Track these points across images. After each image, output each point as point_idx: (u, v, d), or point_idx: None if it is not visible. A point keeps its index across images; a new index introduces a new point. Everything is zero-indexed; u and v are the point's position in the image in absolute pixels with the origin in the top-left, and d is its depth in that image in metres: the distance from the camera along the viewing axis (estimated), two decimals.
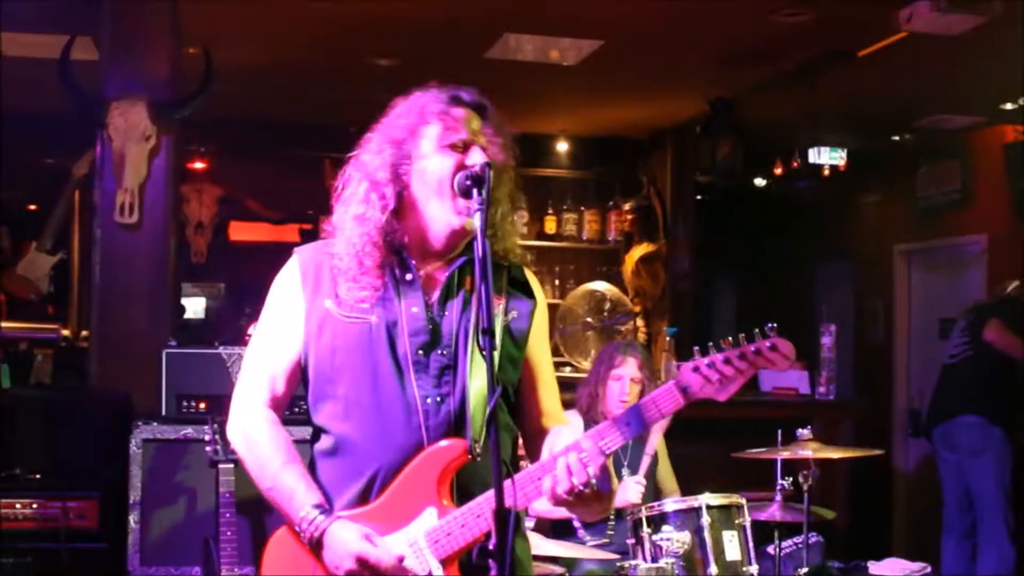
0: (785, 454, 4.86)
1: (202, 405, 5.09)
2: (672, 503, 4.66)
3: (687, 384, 2.51)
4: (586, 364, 8.55)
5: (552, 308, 8.74)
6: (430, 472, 2.57)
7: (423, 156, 2.63)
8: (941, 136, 8.96)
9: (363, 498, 2.61)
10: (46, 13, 6.30)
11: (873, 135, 8.95)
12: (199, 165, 9.11)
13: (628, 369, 5.26)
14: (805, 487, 4.82)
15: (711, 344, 2.50)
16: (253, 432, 2.70)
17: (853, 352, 10.03)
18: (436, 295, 2.68)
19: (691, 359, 2.51)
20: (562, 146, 9.60)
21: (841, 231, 10.48)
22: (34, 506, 4.80)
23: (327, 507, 2.58)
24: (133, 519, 4.93)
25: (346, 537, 2.52)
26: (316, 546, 2.55)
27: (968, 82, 7.47)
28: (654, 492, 5.15)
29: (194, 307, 9.57)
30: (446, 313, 2.67)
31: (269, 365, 2.74)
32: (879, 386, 9.67)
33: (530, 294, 2.80)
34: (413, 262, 2.68)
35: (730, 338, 2.49)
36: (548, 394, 2.85)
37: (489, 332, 2.37)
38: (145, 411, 5.20)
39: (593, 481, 2.51)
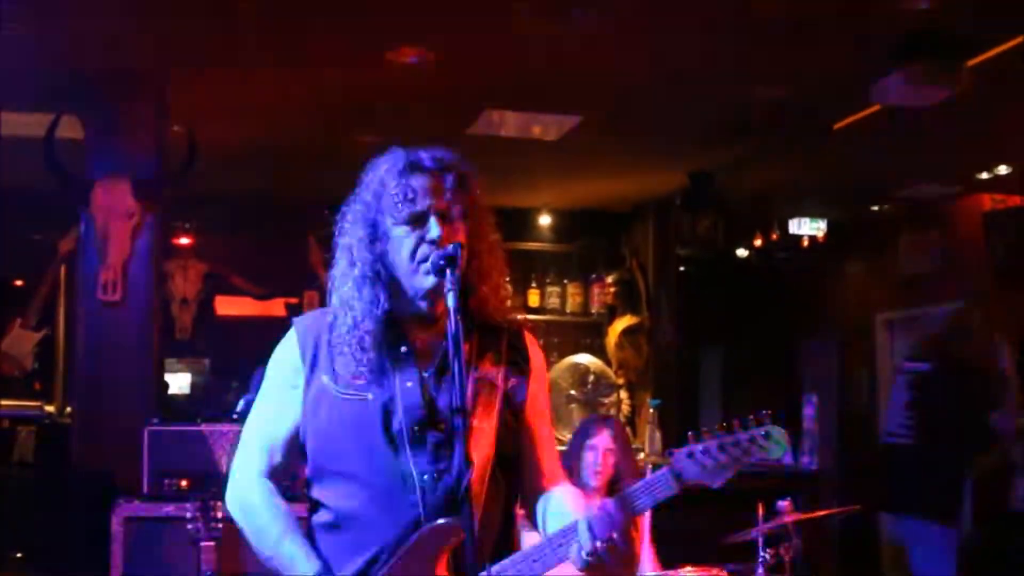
0: (765, 527, 4.86)
1: (183, 483, 5.08)
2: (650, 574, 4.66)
3: (681, 470, 2.50)
4: (569, 437, 8.55)
5: None
6: (430, 549, 2.55)
7: (388, 231, 2.63)
8: (920, 205, 9.04)
9: (363, 573, 2.60)
10: (34, 92, 6.36)
11: (852, 206, 9.04)
12: (184, 241, 9.13)
13: (602, 440, 5.32)
14: (787, 559, 4.82)
15: (704, 428, 2.50)
16: (251, 502, 2.70)
17: (837, 422, 10.04)
18: (431, 367, 2.67)
19: (685, 444, 2.50)
20: (545, 220, 9.66)
21: (824, 301, 10.53)
22: None
23: (330, 574, 2.58)
24: None
25: None
26: None
27: (944, 152, 7.56)
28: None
29: (179, 383, 9.54)
30: (442, 386, 2.65)
31: (267, 436, 2.74)
32: (863, 456, 9.65)
33: (527, 359, 2.80)
34: (407, 333, 2.68)
35: (724, 423, 2.50)
36: (547, 456, 2.83)
37: (462, 411, 2.38)
38: (127, 489, 5.20)
39: (615, 537, 2.48)
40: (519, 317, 2.86)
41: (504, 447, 2.68)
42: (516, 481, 2.77)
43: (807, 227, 8.40)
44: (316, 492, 2.71)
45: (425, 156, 2.66)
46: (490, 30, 5.57)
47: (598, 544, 2.48)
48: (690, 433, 2.51)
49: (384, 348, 2.66)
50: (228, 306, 9.72)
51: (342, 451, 2.64)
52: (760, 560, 4.91)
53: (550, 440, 2.86)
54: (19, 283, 9.21)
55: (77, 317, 6.10)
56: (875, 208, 9.33)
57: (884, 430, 7.23)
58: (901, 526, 6.96)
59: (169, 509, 4.97)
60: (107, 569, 4.93)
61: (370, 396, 2.63)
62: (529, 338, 2.85)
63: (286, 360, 2.75)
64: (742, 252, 9.56)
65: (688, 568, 4.57)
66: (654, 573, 4.80)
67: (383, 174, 2.65)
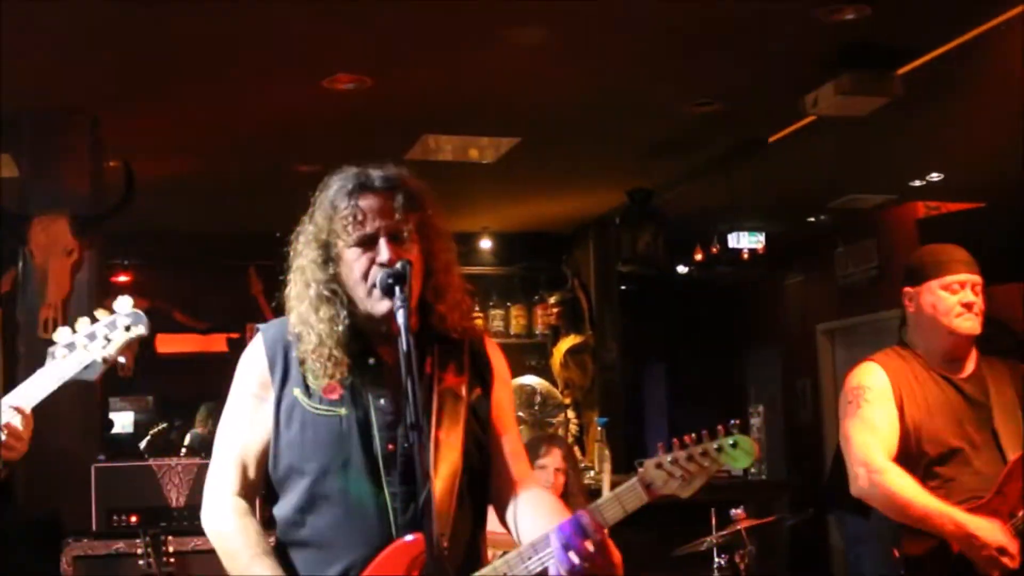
0: (720, 534, 4.89)
1: (133, 518, 5.03)
2: None
3: (651, 480, 2.53)
4: None
5: None
6: (397, 566, 2.55)
7: (340, 253, 2.62)
8: (856, 215, 9.16)
9: None
10: None
11: (790, 218, 9.13)
12: (123, 279, 9.07)
13: (552, 460, 5.33)
14: (742, 566, 4.86)
15: (675, 440, 2.52)
16: (223, 524, 2.68)
17: (783, 432, 10.13)
18: (399, 382, 2.59)
19: (654, 455, 2.53)
20: (485, 243, 9.68)
21: (765, 314, 10.64)
22: None
23: None
24: None
25: None
26: None
27: (878, 162, 7.66)
28: None
29: (122, 421, 9.46)
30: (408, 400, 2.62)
31: (239, 451, 2.70)
32: (811, 464, 9.75)
33: (488, 367, 2.80)
34: (374, 346, 2.66)
35: (693, 434, 2.52)
36: (516, 461, 2.83)
37: (417, 428, 2.38)
38: (75, 528, 5.13)
39: (589, 548, 2.49)
40: (477, 325, 2.84)
41: (471, 460, 2.68)
42: (484, 493, 2.77)
43: (746, 240, 8.45)
44: (283, 507, 2.68)
45: (375, 176, 2.65)
46: (426, 56, 5.58)
47: (572, 556, 2.49)
48: (660, 444, 2.53)
49: (354, 362, 2.64)
50: (169, 344, 9.65)
51: (314, 466, 2.62)
52: (716, 566, 4.93)
53: (518, 444, 2.86)
54: None
55: (18, 356, 6.02)
56: (812, 219, 9.43)
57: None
58: (844, 527, 6.99)
59: (120, 546, 4.92)
60: None
61: (344, 412, 2.62)
62: (490, 343, 2.85)
63: (254, 371, 2.72)
64: (683, 268, 9.61)
65: None
66: None
67: (333, 195, 2.63)
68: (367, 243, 2.59)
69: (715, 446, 2.50)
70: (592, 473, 7.99)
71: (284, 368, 2.68)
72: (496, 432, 2.80)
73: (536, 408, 8.77)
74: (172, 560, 4.16)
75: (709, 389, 10.67)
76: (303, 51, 5.49)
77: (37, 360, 5.84)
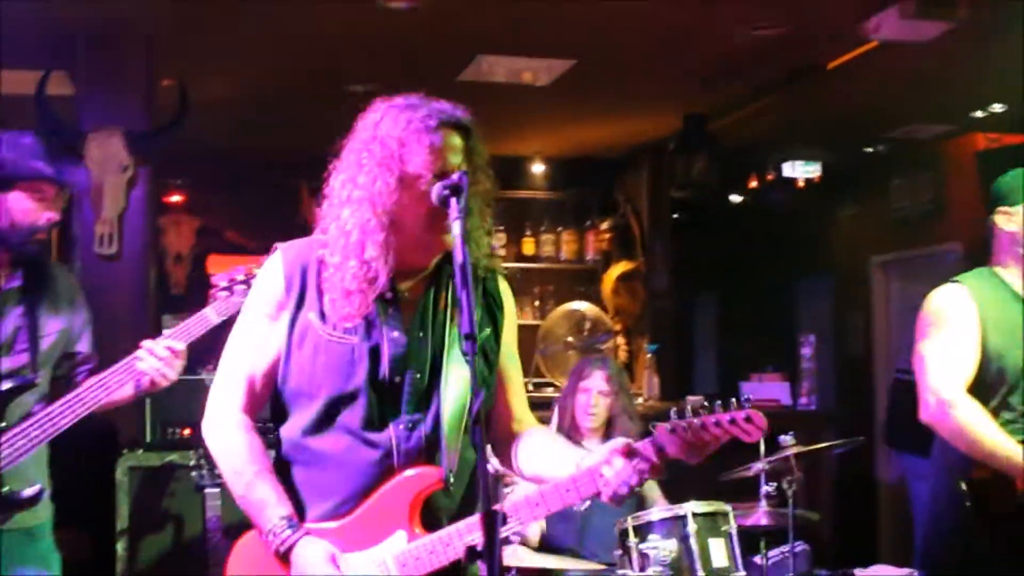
0: (768, 459, 4.89)
1: (186, 431, 5.11)
2: (658, 512, 4.69)
3: (663, 444, 2.59)
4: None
5: (532, 329, 8.89)
6: (404, 496, 2.62)
7: (410, 181, 2.62)
8: (914, 146, 9.03)
9: (333, 514, 2.65)
10: (21, 49, 6.31)
11: (846, 147, 9.00)
12: (176, 198, 9.12)
13: (595, 382, 5.36)
14: (790, 493, 4.85)
15: (688, 407, 2.59)
16: (228, 438, 2.72)
17: (833, 364, 10.07)
18: (414, 316, 2.71)
19: (669, 420, 2.59)
20: (538, 168, 9.63)
21: (818, 244, 10.53)
22: None
23: (296, 521, 2.61)
24: (121, 547, 4.93)
25: (313, 556, 2.56)
26: (282, 558, 2.59)
27: (939, 91, 7.54)
28: (638, 502, 5.18)
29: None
30: (421, 335, 2.70)
31: (248, 367, 2.74)
32: (860, 397, 9.71)
33: (500, 307, 2.84)
34: (395, 280, 2.69)
35: (705, 403, 2.59)
36: (518, 400, 2.91)
37: (471, 337, 2.39)
38: (130, 440, 5.20)
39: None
40: (495, 262, 2.86)
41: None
42: (486, 430, 2.78)
43: (801, 169, 8.37)
44: (289, 427, 2.73)
45: (455, 112, 2.69)
46: None
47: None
48: (673, 409, 2.60)
49: (373, 295, 2.67)
50: (221, 263, 9.69)
51: (322, 391, 2.66)
52: (763, 492, 4.93)
53: (520, 384, 2.93)
54: None
55: (74, 271, 6.07)
56: (869, 149, 9.30)
57: (897, 367, 7.14)
58: (903, 462, 6.97)
59: (173, 458, 4.99)
60: (113, 519, 4.95)
61: (356, 340, 2.66)
62: (503, 284, 2.89)
63: (271, 289, 2.75)
64: (736, 197, 9.54)
65: (693, 503, 4.60)
66: (661, 508, 4.82)
67: (413, 124, 2.63)
68: (444, 178, 2.60)
69: (728, 418, 2.56)
70: (641, 400, 8.01)
71: (301, 290, 2.71)
72: (502, 372, 2.86)
73: (585, 334, 8.78)
74: None
75: (759, 319, 10.61)
76: None
77: (93, 275, 5.95)
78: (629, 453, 2.60)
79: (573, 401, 5.40)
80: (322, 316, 2.68)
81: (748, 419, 2.57)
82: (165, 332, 3.72)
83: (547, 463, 2.75)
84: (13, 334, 3.71)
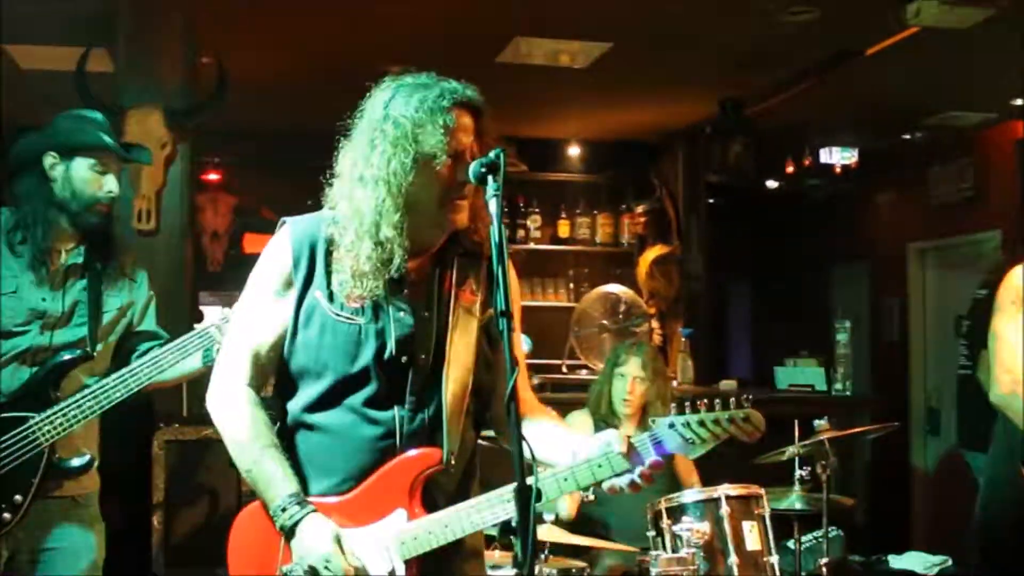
0: (803, 443, 4.89)
1: None
2: (692, 494, 4.69)
3: (661, 439, 2.61)
4: (602, 367, 8.58)
5: (567, 311, 8.90)
6: (405, 476, 2.63)
7: (425, 161, 2.62)
8: (952, 133, 8.97)
9: (334, 490, 2.66)
10: (61, 26, 6.36)
11: (884, 133, 8.97)
12: (213, 176, 9.16)
13: (632, 368, 5.36)
14: (824, 477, 4.85)
15: (687, 403, 2.62)
16: (235, 412, 2.72)
17: (869, 350, 10.04)
18: (420, 296, 2.72)
19: (668, 415, 2.62)
20: (574, 150, 9.64)
21: (855, 230, 10.49)
22: None
23: (302, 498, 2.62)
24: (156, 520, 4.97)
25: (318, 534, 2.57)
26: (287, 534, 2.60)
27: (978, 78, 7.49)
28: (674, 483, 5.19)
29: (211, 316, 9.60)
30: (427, 315, 2.71)
31: (254, 342, 2.74)
32: (895, 383, 9.68)
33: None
34: (401, 257, 2.67)
35: (706, 400, 2.61)
36: (520, 379, 2.86)
37: (507, 315, 2.40)
38: (166, 413, 5.24)
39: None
40: None
41: (480, 378, 2.74)
42: (486, 411, 2.84)
43: (838, 155, 8.34)
44: (294, 402, 2.73)
45: (470, 93, 2.67)
46: None
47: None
48: (673, 405, 2.63)
49: (382, 275, 2.67)
50: (256, 242, 9.75)
51: (328, 370, 2.67)
52: (798, 477, 4.93)
53: (523, 364, 2.90)
54: None
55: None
56: (907, 136, 9.25)
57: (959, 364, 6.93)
58: (975, 461, 6.64)
59: (209, 432, 5.02)
60: (150, 491, 4.99)
61: (363, 321, 2.66)
62: (508, 265, 2.86)
63: (277, 266, 2.74)
64: (772, 182, 9.51)
65: (727, 486, 4.60)
66: (695, 490, 4.83)
67: (430, 104, 2.62)
68: (457, 157, 2.62)
69: (726, 416, 2.58)
70: (674, 384, 8.00)
71: (309, 267, 2.71)
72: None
73: (620, 317, 8.77)
74: None
75: (795, 304, 10.59)
76: None
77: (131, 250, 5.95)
78: (628, 448, 2.60)
79: (609, 387, 5.40)
80: (329, 294, 2.68)
81: (746, 419, 2.59)
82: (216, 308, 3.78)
83: (545, 449, 2.72)
84: (72, 308, 3.77)
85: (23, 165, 3.81)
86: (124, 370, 3.69)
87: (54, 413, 3.61)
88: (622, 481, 2.60)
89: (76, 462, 3.69)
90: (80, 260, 3.81)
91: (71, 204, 3.76)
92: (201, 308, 8.78)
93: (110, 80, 6.37)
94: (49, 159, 3.77)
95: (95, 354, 3.77)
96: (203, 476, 5.03)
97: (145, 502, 5.02)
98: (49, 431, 3.60)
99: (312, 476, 2.68)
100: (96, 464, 3.84)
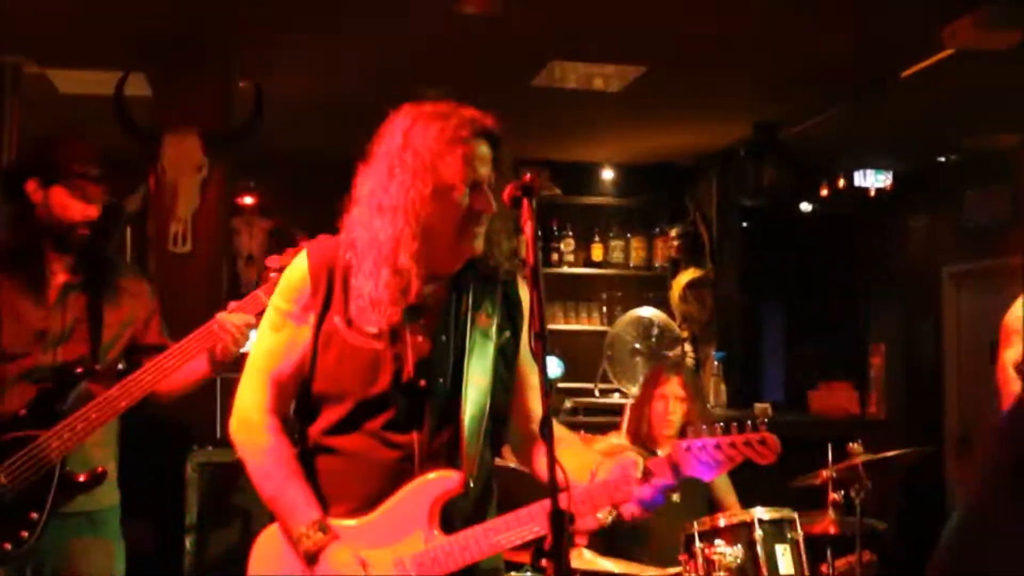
0: (837, 467, 4.87)
1: None
2: (724, 517, 4.67)
3: (677, 461, 2.63)
4: (635, 390, 8.56)
5: (600, 335, 8.89)
6: (424, 498, 2.65)
7: (444, 191, 2.64)
8: (989, 156, 8.91)
9: (353, 512, 2.68)
10: (100, 50, 6.43)
11: (919, 156, 8.92)
12: (248, 200, 9.20)
13: (672, 388, 5.31)
14: (858, 501, 4.82)
15: (704, 426, 2.65)
16: (259, 441, 2.74)
17: (903, 374, 9.97)
18: (437, 321, 2.73)
19: (685, 437, 2.65)
20: (608, 174, 9.66)
21: (889, 253, 10.42)
22: None
23: (325, 524, 2.64)
24: (189, 542, 4.98)
25: (341, 560, 2.60)
26: (311, 559, 2.62)
27: (1015, 100, 7.44)
28: (709, 506, 5.17)
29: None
30: (444, 339, 2.72)
31: (275, 368, 2.76)
32: (929, 407, 9.60)
33: (519, 309, 2.85)
34: (418, 285, 2.68)
35: (721, 424, 2.63)
36: (536, 399, 2.88)
37: (542, 337, 2.41)
38: (200, 435, 5.26)
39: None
40: (515, 265, 2.85)
41: (497, 401, 2.76)
42: (503, 433, 2.86)
43: (873, 178, 8.31)
44: (314, 427, 2.75)
45: (487, 123, 2.69)
46: None
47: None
48: (690, 428, 2.66)
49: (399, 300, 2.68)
50: None
51: (347, 395, 2.69)
52: (831, 501, 4.91)
53: (537, 385, 2.88)
54: None
55: (148, 270, 6.16)
56: (942, 159, 9.20)
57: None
58: None
59: None
60: (182, 514, 5.00)
61: (381, 346, 2.68)
62: (522, 287, 2.88)
63: (297, 290, 2.76)
64: (806, 205, 9.48)
65: (760, 509, 4.58)
66: (728, 514, 4.81)
67: (449, 134, 2.64)
68: (475, 187, 2.65)
69: (743, 440, 2.61)
70: (708, 406, 7.98)
71: (327, 293, 2.72)
72: (521, 373, 2.86)
73: (653, 340, 8.76)
74: None
75: (828, 327, 10.52)
76: None
77: (167, 273, 6.03)
78: (644, 473, 2.62)
79: (649, 408, 5.35)
80: (347, 320, 2.70)
81: (763, 442, 2.62)
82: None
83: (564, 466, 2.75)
84: (72, 324, 3.86)
85: (9, 191, 3.92)
86: (127, 379, 3.78)
87: (61, 428, 3.68)
88: (636, 507, 2.63)
89: (82, 475, 3.75)
90: (76, 278, 3.91)
91: (54, 228, 3.86)
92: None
93: (148, 104, 6.43)
94: (31, 185, 3.86)
95: (98, 367, 3.85)
96: (237, 498, 5.04)
97: (178, 524, 5.04)
98: (58, 446, 3.66)
99: (331, 499, 2.70)
100: (112, 477, 3.92)
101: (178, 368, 3.81)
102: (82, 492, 3.76)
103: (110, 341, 3.94)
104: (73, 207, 3.86)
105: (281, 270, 3.73)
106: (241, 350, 3.80)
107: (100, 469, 3.80)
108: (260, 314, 3.56)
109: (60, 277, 3.89)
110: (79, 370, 3.79)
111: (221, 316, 3.82)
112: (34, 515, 3.65)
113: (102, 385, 3.83)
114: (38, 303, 3.84)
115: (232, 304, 3.82)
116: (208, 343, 3.81)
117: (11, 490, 3.62)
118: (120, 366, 4.03)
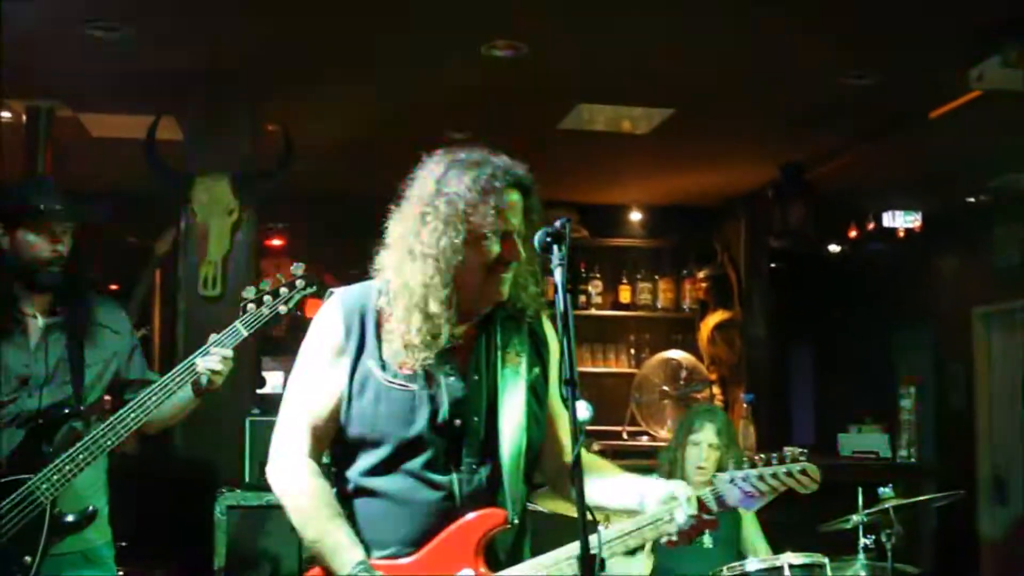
0: (868, 511, 4.83)
1: None
2: (755, 563, 4.63)
3: (722, 493, 2.71)
4: (663, 433, 8.55)
5: (627, 377, 8.87)
6: (470, 536, 2.66)
7: (475, 239, 2.67)
8: (1018, 196, 8.88)
9: (397, 553, 2.68)
10: (132, 95, 6.48)
11: (948, 196, 8.90)
12: (276, 242, 9.25)
13: (706, 435, 5.23)
14: (889, 546, 4.78)
15: (745, 458, 2.75)
16: (298, 485, 2.75)
17: (934, 416, 9.90)
18: (468, 360, 2.76)
19: (727, 470, 2.74)
20: (635, 215, 9.67)
21: (918, 294, 10.38)
22: (120, 573, 4.85)
23: (368, 565, 2.63)
24: None
25: None
26: None
27: None
28: (739, 552, 5.12)
29: (274, 381, 9.66)
30: (476, 378, 2.75)
31: (311, 414, 2.77)
32: (961, 451, 9.53)
33: (547, 346, 2.89)
34: (449, 329, 2.70)
35: (761, 456, 2.71)
36: (567, 434, 2.81)
37: (572, 383, 2.42)
38: (229, 479, 5.27)
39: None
40: (541, 304, 2.89)
41: (531, 436, 2.78)
42: (533, 466, 2.86)
43: (901, 219, 8.29)
44: (353, 469, 2.76)
45: (521, 173, 2.73)
46: (583, 22, 5.56)
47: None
48: (731, 460, 2.71)
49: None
50: (319, 308, 9.79)
51: (386, 437, 2.69)
52: (862, 546, 4.86)
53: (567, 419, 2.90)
54: (115, 287, 9.37)
55: (177, 312, 6.20)
56: (971, 199, 9.17)
57: None
58: None
59: (271, 498, 5.00)
60: (211, 557, 5.00)
61: (416, 387, 2.70)
62: (548, 325, 2.92)
63: (330, 337, 2.78)
64: (835, 246, 9.45)
65: (790, 555, 4.54)
66: (758, 559, 4.76)
67: (483, 183, 2.67)
68: (505, 236, 2.68)
69: (784, 470, 2.68)
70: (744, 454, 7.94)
71: (360, 337, 2.75)
72: (552, 408, 2.89)
73: (681, 382, 8.74)
74: None
75: (858, 369, 10.47)
76: (463, 14, 5.50)
77: (197, 316, 6.06)
78: (689, 503, 2.66)
79: (683, 454, 5.28)
80: (382, 363, 2.72)
81: (803, 471, 2.68)
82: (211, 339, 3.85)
83: (614, 496, 2.81)
84: (55, 365, 3.89)
85: None
86: (112, 418, 3.80)
87: (49, 470, 3.69)
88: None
89: (70, 516, 3.77)
90: (55, 320, 3.93)
91: (27, 270, 3.90)
92: (264, 374, 8.90)
93: (179, 148, 6.48)
94: None
95: (82, 408, 3.88)
96: (265, 542, 5.04)
97: (206, 568, 5.03)
98: (47, 488, 3.68)
99: (374, 541, 2.70)
100: (101, 514, 3.94)
101: (160, 404, 3.81)
102: (73, 532, 3.79)
103: (93, 380, 3.98)
104: (40, 246, 3.90)
105: (257, 299, 3.82)
106: (222, 378, 3.84)
107: (91, 509, 3.83)
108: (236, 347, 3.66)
109: (40, 319, 3.92)
110: (64, 412, 3.82)
111: (200, 362, 3.80)
112: (27, 559, 3.66)
113: (88, 425, 3.87)
114: (20, 347, 3.87)
115: (212, 336, 3.81)
116: (190, 378, 3.82)
117: (3, 535, 3.63)
118: (105, 405, 4.06)
